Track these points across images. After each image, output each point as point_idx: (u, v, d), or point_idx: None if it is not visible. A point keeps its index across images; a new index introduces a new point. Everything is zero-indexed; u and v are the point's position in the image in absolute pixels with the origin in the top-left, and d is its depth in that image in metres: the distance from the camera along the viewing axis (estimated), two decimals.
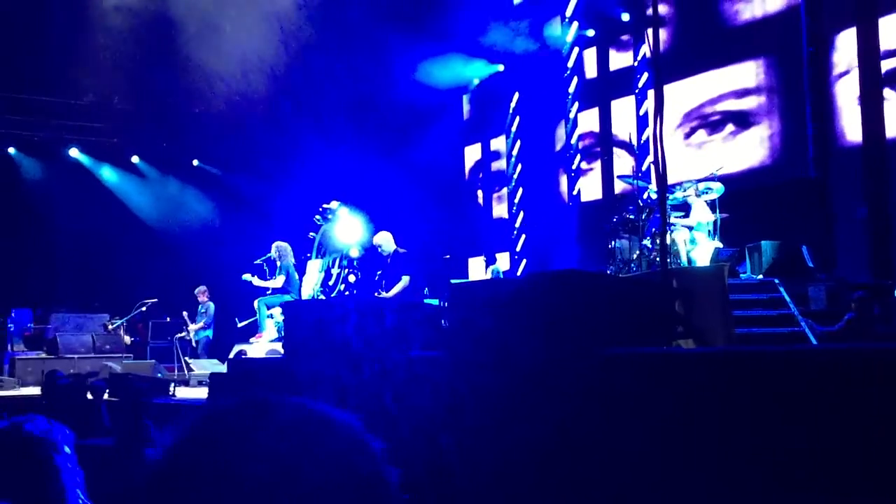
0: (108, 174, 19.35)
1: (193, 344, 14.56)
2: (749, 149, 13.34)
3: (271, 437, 0.95)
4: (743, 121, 13.57)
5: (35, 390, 10.63)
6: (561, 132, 16.87)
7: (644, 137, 14.80)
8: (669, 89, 14.37)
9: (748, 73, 13.48)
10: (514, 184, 17.63)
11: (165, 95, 16.89)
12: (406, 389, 4.94)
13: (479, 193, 18.58)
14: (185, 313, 14.91)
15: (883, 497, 3.25)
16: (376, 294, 11.38)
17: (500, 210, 18.38)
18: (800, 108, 12.46)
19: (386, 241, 11.54)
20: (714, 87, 14.02)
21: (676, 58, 14.30)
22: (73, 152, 18.92)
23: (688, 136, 14.35)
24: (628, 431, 3.62)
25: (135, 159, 19.51)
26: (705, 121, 14.13)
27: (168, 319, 16.03)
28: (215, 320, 14.91)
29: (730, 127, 13.76)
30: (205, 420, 1.00)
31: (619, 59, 16.03)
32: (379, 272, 11.48)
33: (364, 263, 12.14)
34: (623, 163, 15.14)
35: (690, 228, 10.59)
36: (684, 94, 14.37)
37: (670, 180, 11.58)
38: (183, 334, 14.63)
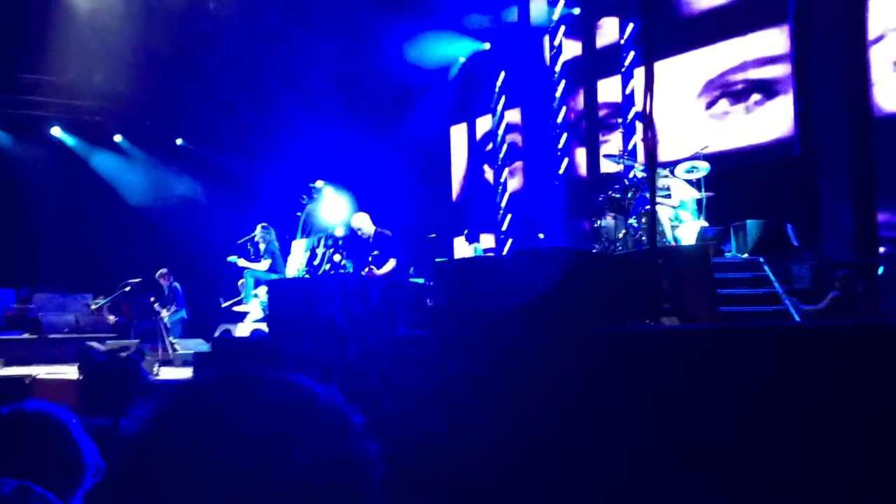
0: (97, 158, 19.22)
1: (168, 326, 14.43)
2: (775, 120, 12.97)
3: (251, 412, 0.93)
4: (769, 90, 13.12)
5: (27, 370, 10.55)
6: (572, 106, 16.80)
7: (630, 116, 14.79)
8: (686, 59, 14.17)
9: (774, 40, 13.03)
10: (500, 163, 17.59)
11: (148, 73, 16.73)
12: (393, 369, 4.93)
13: (486, 168, 18.26)
14: (152, 300, 14.73)
15: (866, 469, 3.26)
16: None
17: (486, 189, 18.34)
18: (823, 79, 12.17)
19: (364, 223, 11.36)
20: (737, 55, 13.56)
21: (694, 24, 14.07)
22: (56, 131, 18.76)
23: (709, 105, 14.01)
24: (616, 408, 3.63)
25: (118, 138, 19.37)
26: (727, 90, 13.72)
27: (152, 300, 15.92)
28: (186, 299, 14.77)
29: (755, 97, 13.30)
30: (185, 393, 0.98)
31: (606, 38, 15.96)
32: (375, 252, 11.31)
33: (349, 243, 12.09)
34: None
35: (674, 208, 10.60)
36: (705, 63, 14.05)
37: (682, 154, 11.54)
38: (172, 314, 14.54)
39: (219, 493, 0.88)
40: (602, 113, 15.98)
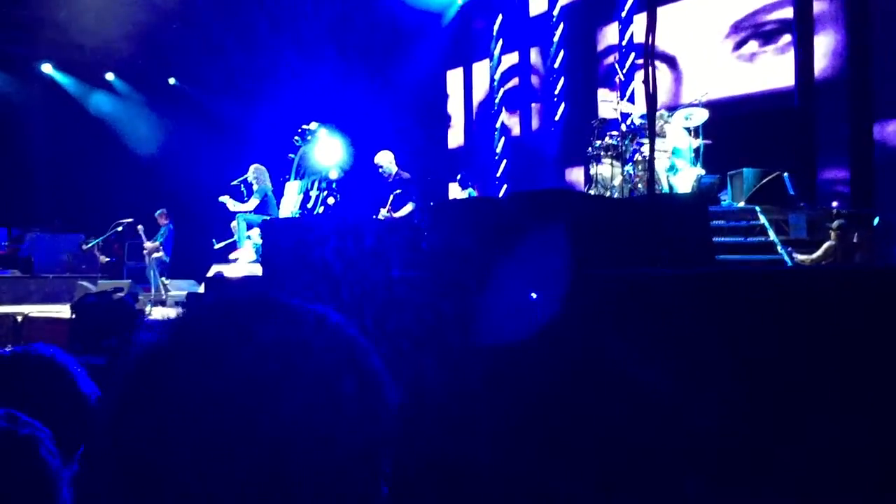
0: (83, 91, 19.02)
1: (146, 262, 14.35)
2: (776, 69, 12.62)
3: (268, 340, 0.91)
4: (772, 38, 12.72)
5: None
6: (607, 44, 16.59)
7: (629, 62, 14.61)
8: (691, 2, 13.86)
9: None
10: (496, 108, 17.43)
11: (141, 12, 16.48)
12: (386, 310, 4.90)
13: (507, 115, 18.00)
14: (139, 228, 14.60)
15: (854, 410, 3.27)
16: (380, 215, 11.22)
17: (482, 134, 18.19)
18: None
19: (387, 162, 11.36)
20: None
21: None
22: (46, 68, 18.52)
23: (737, 47, 13.55)
24: (609, 350, 3.61)
25: (110, 76, 19.14)
26: (758, 31, 13.15)
27: (140, 233, 15.84)
28: (174, 241, 14.69)
29: (786, 38, 12.68)
30: (203, 311, 0.96)
31: None
32: (398, 191, 11.18)
33: (344, 185, 12.00)
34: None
35: (668, 154, 10.52)
36: (711, 7, 13.72)
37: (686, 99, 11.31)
38: (160, 254, 14.45)
39: (232, 427, 0.85)
40: (600, 58, 15.80)
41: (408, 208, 11.08)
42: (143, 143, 19.04)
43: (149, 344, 0.94)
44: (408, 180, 11.31)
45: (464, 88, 18.73)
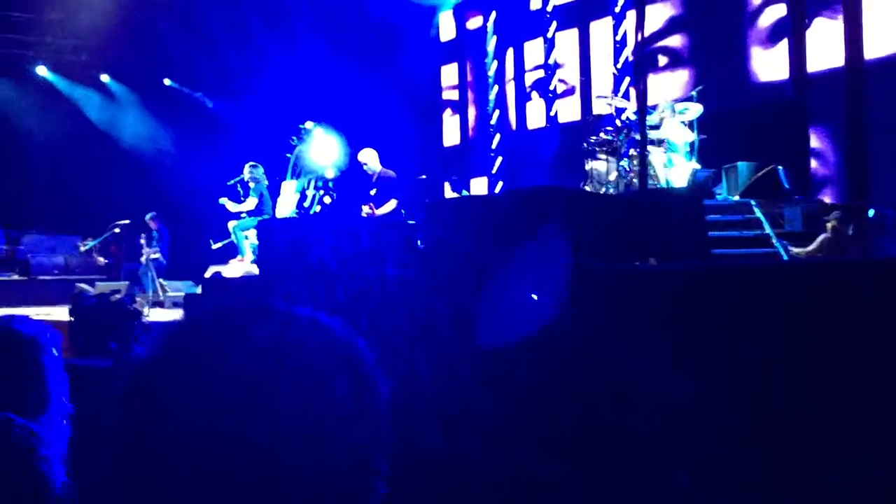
0: (78, 93, 19.01)
1: (143, 264, 14.36)
2: (772, 61, 12.49)
3: (271, 346, 0.92)
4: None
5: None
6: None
7: (622, 59, 14.59)
8: None
9: None
10: (492, 106, 17.40)
11: (134, 12, 16.48)
12: (381, 308, 4.92)
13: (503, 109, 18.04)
14: (142, 238, 14.68)
15: (846, 396, 3.28)
16: (363, 212, 11.23)
17: (478, 132, 18.15)
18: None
19: (371, 159, 11.36)
20: None
21: None
22: (41, 70, 18.51)
23: (732, 39, 13.30)
24: (603, 345, 3.63)
25: (104, 78, 19.13)
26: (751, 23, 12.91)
27: (142, 241, 15.88)
28: (169, 243, 14.69)
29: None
30: (204, 316, 0.97)
31: None
32: (374, 191, 11.24)
33: (340, 184, 12.01)
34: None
35: (661, 143, 10.51)
36: None
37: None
38: (157, 256, 14.46)
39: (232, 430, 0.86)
40: (594, 55, 15.77)
41: (390, 205, 11.10)
42: (139, 144, 19.03)
43: (145, 354, 0.94)
44: (390, 178, 11.32)
45: (459, 85, 18.69)
